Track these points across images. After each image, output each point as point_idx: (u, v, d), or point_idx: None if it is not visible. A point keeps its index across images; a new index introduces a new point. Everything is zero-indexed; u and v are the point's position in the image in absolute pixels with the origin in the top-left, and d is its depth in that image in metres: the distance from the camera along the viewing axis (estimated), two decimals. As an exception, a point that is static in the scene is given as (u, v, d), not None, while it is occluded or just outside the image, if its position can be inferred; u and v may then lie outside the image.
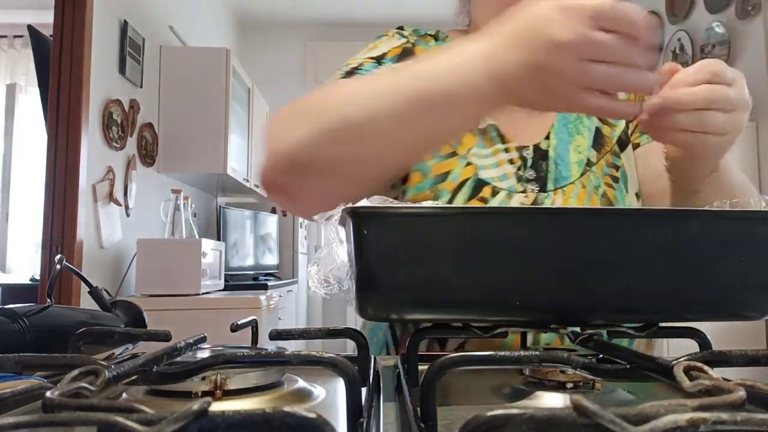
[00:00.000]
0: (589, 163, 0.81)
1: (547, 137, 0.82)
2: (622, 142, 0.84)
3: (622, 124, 0.85)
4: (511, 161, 0.80)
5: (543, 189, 0.79)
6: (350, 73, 0.81)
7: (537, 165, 0.81)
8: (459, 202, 0.76)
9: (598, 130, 0.83)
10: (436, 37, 0.89)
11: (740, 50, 2.88)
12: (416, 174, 0.79)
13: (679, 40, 3.32)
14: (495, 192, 0.77)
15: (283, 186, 0.69)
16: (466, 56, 0.55)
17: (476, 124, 0.60)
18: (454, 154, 0.80)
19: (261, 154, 0.69)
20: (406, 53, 0.84)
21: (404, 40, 0.87)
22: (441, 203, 0.77)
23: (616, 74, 0.49)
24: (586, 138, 0.82)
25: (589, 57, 0.48)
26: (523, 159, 0.81)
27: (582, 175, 0.80)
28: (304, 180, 0.66)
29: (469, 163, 0.79)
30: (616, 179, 0.81)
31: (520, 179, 0.79)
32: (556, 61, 0.49)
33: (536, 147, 0.82)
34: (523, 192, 0.78)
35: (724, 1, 2.94)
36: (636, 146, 0.85)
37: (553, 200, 0.78)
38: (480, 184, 0.78)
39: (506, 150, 0.81)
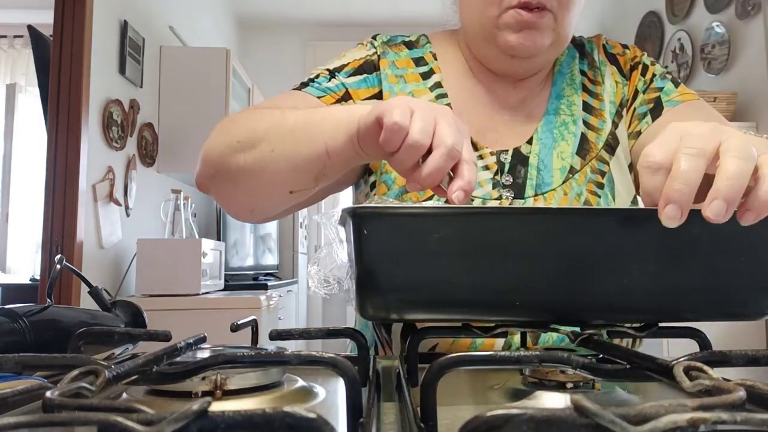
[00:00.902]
0: (572, 170, 0.80)
1: (530, 142, 0.81)
2: (610, 146, 0.82)
3: (608, 127, 0.83)
4: (486, 167, 0.80)
5: (520, 195, 0.78)
6: (305, 84, 0.84)
7: (514, 170, 0.80)
8: None
9: (583, 136, 0.82)
10: (412, 45, 0.89)
11: (740, 50, 2.88)
12: (382, 186, 0.81)
13: (679, 40, 3.32)
14: (468, 201, 0.77)
15: (209, 188, 0.76)
16: (342, 111, 0.65)
17: (342, 163, 0.63)
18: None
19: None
20: (366, 66, 0.86)
21: (372, 51, 0.88)
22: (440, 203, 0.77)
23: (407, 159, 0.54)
24: (570, 144, 0.81)
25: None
26: (500, 164, 0.80)
27: (564, 182, 0.79)
28: (221, 186, 0.74)
29: None
30: (600, 185, 0.80)
31: (495, 185, 0.79)
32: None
33: (516, 150, 0.81)
34: (498, 199, 0.78)
35: (724, 1, 2.94)
36: (638, 134, 0.82)
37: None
38: None
39: (480, 157, 0.80)
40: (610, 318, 0.49)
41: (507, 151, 0.81)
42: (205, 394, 0.41)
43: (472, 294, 0.45)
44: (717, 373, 0.32)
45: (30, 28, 2.55)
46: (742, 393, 0.27)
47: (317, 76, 0.85)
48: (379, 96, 0.84)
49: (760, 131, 2.81)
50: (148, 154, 2.86)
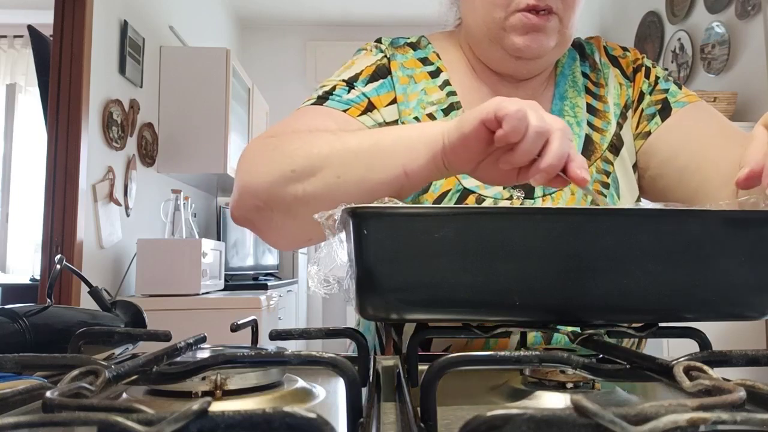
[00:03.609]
0: None
1: None
2: (615, 147, 0.83)
3: (613, 128, 0.84)
4: None
5: (530, 195, 0.79)
6: (323, 98, 0.81)
7: None
8: None
9: (587, 137, 0.82)
10: (415, 46, 0.89)
11: (740, 50, 2.87)
12: None
13: (679, 40, 3.32)
14: (480, 200, 0.77)
15: (252, 221, 0.72)
16: (412, 130, 0.66)
17: (420, 182, 0.64)
18: None
19: (234, 187, 0.74)
20: (380, 71, 0.84)
21: (380, 55, 0.86)
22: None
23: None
24: (575, 146, 0.82)
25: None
26: None
27: None
28: (271, 217, 0.70)
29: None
30: (606, 185, 0.80)
31: (506, 185, 0.79)
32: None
33: None
34: (509, 198, 0.78)
35: (724, 1, 2.94)
36: (647, 134, 0.83)
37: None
38: (465, 193, 0.77)
39: None
40: (611, 318, 0.49)
41: None
42: (205, 394, 0.41)
43: (472, 294, 0.45)
44: (717, 373, 0.32)
45: (30, 28, 2.55)
46: (742, 393, 0.27)
47: (334, 89, 0.82)
48: (396, 100, 0.83)
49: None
50: (148, 154, 2.86)
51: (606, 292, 0.46)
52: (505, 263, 0.45)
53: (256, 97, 3.82)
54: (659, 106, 0.84)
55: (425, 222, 0.44)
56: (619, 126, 0.84)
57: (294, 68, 4.70)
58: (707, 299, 0.47)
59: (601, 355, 0.46)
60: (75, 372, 0.32)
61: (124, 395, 0.44)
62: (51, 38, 2.38)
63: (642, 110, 0.85)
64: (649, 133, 0.83)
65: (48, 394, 0.28)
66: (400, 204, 0.47)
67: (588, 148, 0.82)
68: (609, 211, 0.49)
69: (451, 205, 0.76)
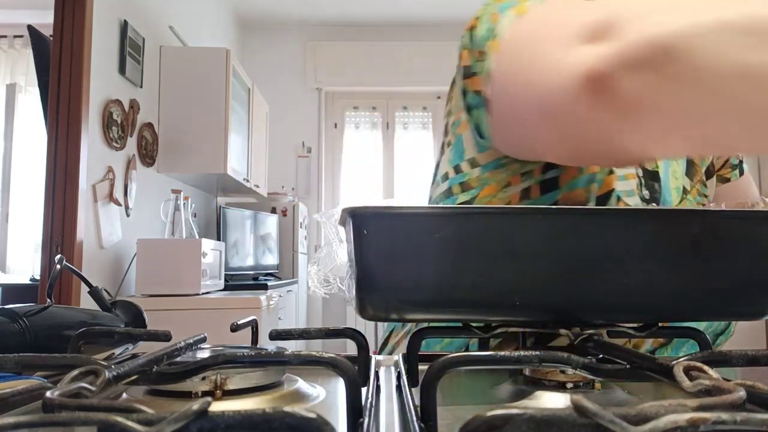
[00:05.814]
0: (684, 191, 0.80)
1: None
2: (709, 173, 0.84)
3: (709, 158, 0.84)
4: (637, 175, 0.75)
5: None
6: None
7: (650, 186, 0.77)
8: None
9: (689, 160, 0.82)
10: None
11: (740, 50, 2.88)
12: (573, 169, 0.69)
13: (679, 40, 3.32)
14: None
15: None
16: None
17: None
18: None
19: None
20: None
21: None
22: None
23: None
24: (680, 165, 0.81)
25: None
26: (639, 178, 0.76)
27: (680, 201, 0.78)
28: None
29: (611, 171, 0.71)
30: None
31: (642, 199, 0.75)
32: None
33: (643, 167, 0.77)
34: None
35: (724, 1, 2.94)
36: (725, 180, 0.87)
37: None
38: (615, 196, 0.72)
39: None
40: (610, 318, 0.49)
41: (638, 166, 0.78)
42: (205, 394, 0.41)
43: (472, 294, 0.45)
44: (717, 373, 0.32)
45: (30, 28, 2.55)
46: (742, 393, 0.27)
47: None
48: None
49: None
50: (148, 154, 2.86)
51: (606, 292, 0.46)
52: (504, 263, 0.45)
53: (256, 97, 3.81)
54: (737, 161, 0.89)
55: (425, 222, 0.44)
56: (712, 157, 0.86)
57: (294, 68, 4.70)
58: (707, 299, 0.47)
59: (601, 355, 0.46)
60: (75, 372, 0.32)
61: (124, 395, 0.44)
62: (51, 38, 2.38)
63: (729, 158, 0.89)
64: (727, 180, 0.88)
65: (48, 394, 0.28)
66: (400, 204, 0.47)
67: (690, 170, 0.81)
68: (609, 211, 0.49)
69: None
